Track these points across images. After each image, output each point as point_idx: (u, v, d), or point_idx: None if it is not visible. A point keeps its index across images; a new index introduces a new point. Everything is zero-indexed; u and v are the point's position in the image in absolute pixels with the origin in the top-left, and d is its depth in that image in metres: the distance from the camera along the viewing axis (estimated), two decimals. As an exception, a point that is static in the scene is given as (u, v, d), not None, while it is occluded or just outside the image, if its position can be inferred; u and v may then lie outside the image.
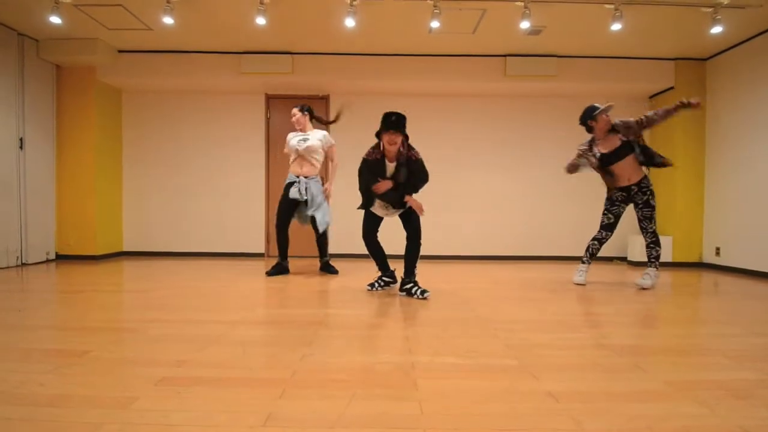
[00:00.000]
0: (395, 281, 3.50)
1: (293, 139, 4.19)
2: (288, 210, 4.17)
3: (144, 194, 5.80)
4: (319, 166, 4.22)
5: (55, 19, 4.02)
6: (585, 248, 3.93)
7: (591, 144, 3.72)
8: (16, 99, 4.64)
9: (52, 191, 5.15)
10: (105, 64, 5.14)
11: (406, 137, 3.13)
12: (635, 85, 5.41)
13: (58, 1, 3.90)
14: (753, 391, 1.57)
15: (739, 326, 2.52)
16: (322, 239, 4.31)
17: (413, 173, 3.19)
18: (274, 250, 5.68)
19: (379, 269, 3.50)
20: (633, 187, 3.66)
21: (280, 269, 4.24)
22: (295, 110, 4.23)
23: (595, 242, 3.86)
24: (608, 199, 3.79)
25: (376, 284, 3.46)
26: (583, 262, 3.90)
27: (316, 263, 4.66)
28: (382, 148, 3.15)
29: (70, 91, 5.18)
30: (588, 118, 3.63)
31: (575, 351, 2.02)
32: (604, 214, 3.84)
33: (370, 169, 3.22)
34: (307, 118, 4.25)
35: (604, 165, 3.64)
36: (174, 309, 2.79)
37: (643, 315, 2.86)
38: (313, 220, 4.13)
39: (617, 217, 3.79)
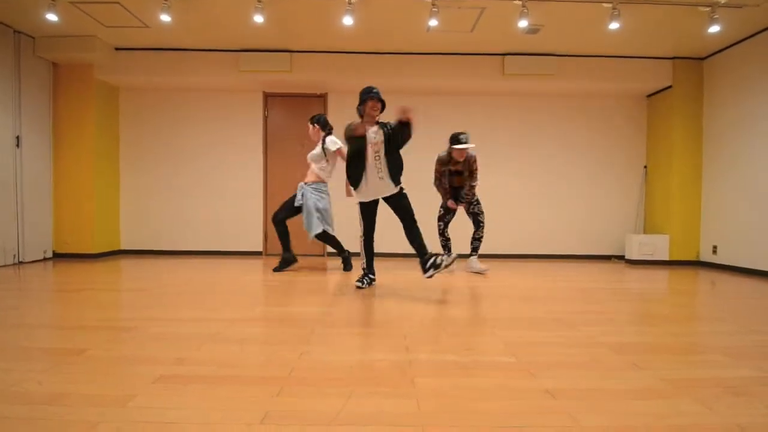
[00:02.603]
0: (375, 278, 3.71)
1: None
2: (288, 210, 4.27)
3: (141, 192, 5.78)
4: (321, 172, 4.25)
5: (51, 17, 4.00)
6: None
7: (449, 158, 4.35)
8: (12, 97, 4.62)
9: (49, 189, 5.13)
10: (102, 62, 5.12)
11: (384, 106, 3.45)
12: (633, 83, 5.41)
13: (55, -2, 3.89)
14: (751, 389, 1.58)
15: (736, 324, 2.53)
16: (327, 241, 4.34)
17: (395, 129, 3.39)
18: (272, 248, 5.71)
19: (367, 268, 3.63)
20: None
21: (286, 262, 4.31)
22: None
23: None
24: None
25: (365, 281, 3.56)
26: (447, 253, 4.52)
27: (316, 261, 4.66)
28: (361, 120, 3.43)
29: (67, 89, 5.16)
30: (451, 142, 4.28)
31: (573, 349, 2.03)
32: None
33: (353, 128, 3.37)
34: (318, 129, 4.26)
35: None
36: (171, 307, 2.79)
37: (640, 313, 2.87)
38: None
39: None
